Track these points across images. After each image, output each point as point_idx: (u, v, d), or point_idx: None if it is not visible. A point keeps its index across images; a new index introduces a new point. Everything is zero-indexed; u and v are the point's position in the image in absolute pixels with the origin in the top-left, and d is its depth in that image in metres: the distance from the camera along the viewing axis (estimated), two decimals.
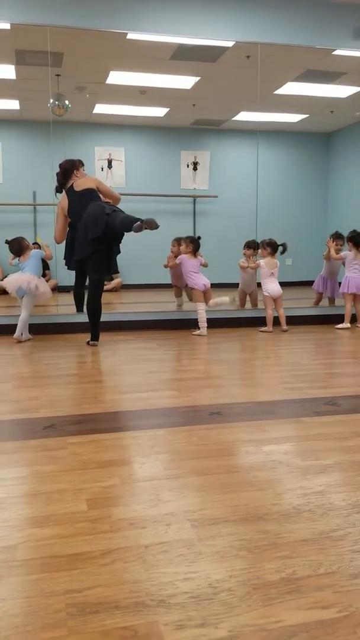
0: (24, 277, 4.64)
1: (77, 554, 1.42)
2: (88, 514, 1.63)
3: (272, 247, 5.38)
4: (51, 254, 4.92)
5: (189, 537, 1.49)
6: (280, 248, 5.41)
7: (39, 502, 1.72)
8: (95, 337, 4.51)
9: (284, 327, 5.24)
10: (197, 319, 5.12)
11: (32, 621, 1.17)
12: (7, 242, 4.88)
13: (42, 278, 4.81)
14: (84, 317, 5.15)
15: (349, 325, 5.45)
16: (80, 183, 4.67)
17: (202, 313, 5.09)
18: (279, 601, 1.23)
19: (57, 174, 4.77)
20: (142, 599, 1.24)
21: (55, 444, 2.23)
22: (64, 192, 4.76)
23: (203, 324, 5.07)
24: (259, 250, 5.51)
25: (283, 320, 5.27)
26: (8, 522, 1.59)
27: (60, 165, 4.77)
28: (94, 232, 4.30)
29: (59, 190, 4.83)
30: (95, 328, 4.50)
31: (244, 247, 5.81)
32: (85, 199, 4.55)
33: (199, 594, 1.25)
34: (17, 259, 4.85)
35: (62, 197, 4.75)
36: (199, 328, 5.08)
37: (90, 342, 4.50)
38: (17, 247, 4.79)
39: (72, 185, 4.69)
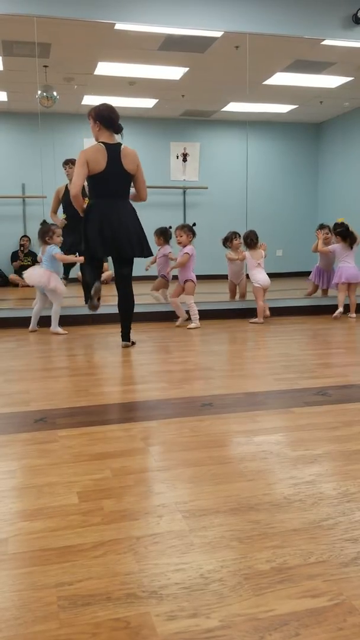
0: (40, 273, 4.78)
1: (68, 547, 1.41)
2: (79, 506, 1.63)
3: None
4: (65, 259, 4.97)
5: (180, 528, 1.50)
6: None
7: (30, 495, 1.71)
8: (129, 337, 4.18)
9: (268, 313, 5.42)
10: (187, 312, 5.10)
11: (24, 614, 1.17)
12: (43, 223, 5.06)
13: (55, 274, 4.82)
14: (74, 310, 5.15)
15: (341, 310, 5.46)
16: (129, 155, 3.91)
17: (194, 306, 5.06)
18: (270, 591, 1.23)
19: (115, 117, 3.89)
20: (133, 591, 1.24)
21: (46, 437, 2.23)
22: (98, 144, 3.88)
23: (196, 316, 5.04)
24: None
25: (266, 308, 5.38)
26: None
27: (115, 114, 3.91)
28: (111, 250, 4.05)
29: (121, 128, 3.93)
30: (129, 327, 4.17)
31: (223, 244, 5.74)
32: (124, 188, 3.96)
33: (191, 585, 1.26)
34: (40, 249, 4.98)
35: (94, 150, 3.86)
36: (191, 321, 5.04)
37: (124, 343, 4.15)
38: (44, 231, 4.86)
39: (118, 145, 3.91)
